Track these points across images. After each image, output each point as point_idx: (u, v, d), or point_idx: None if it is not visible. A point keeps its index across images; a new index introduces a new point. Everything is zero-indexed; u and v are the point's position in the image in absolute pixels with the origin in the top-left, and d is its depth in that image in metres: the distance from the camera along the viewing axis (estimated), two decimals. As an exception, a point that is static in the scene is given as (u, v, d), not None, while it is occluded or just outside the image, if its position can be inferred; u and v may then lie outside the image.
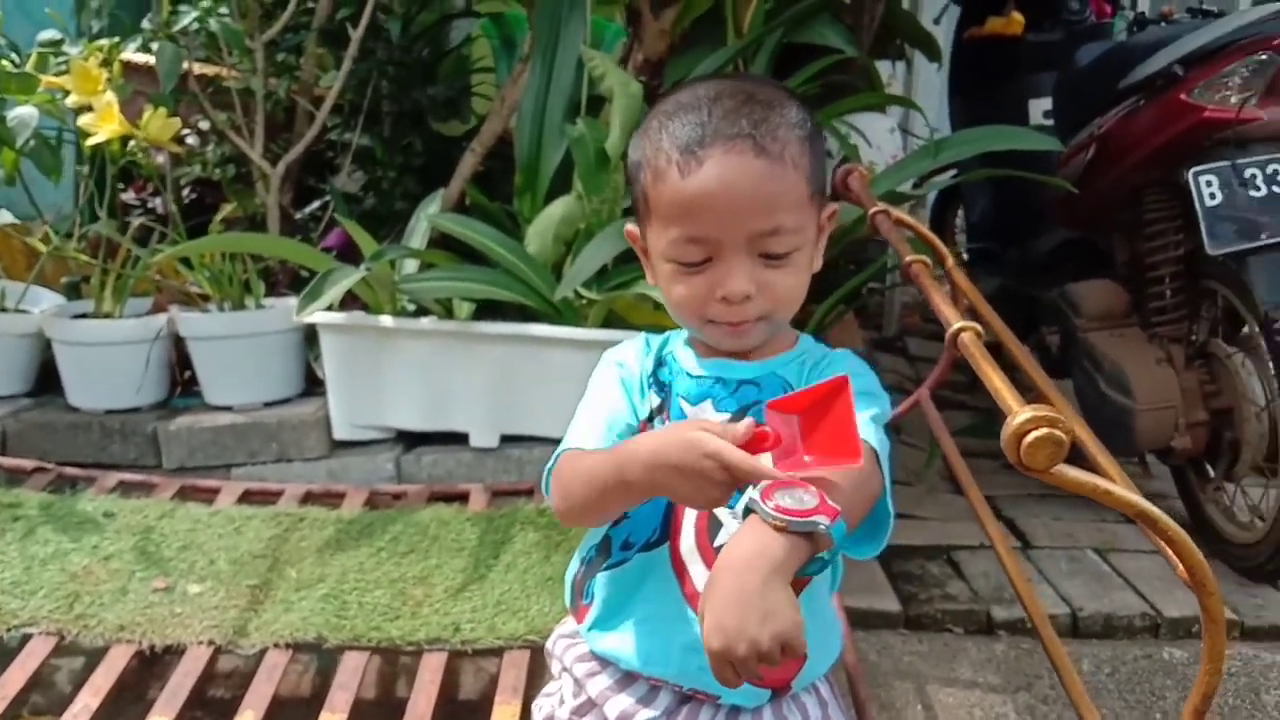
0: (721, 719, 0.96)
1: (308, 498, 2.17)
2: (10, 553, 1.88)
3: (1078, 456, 0.89)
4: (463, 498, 2.17)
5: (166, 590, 1.80)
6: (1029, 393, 1.03)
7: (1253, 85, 2.05)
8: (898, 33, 3.04)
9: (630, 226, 1.01)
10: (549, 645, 1.08)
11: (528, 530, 1.99)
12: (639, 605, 0.96)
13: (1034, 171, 2.45)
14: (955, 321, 1.04)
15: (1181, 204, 2.19)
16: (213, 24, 2.42)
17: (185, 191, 2.85)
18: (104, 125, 2.22)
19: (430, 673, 1.62)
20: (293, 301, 2.21)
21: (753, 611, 0.73)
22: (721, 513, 0.93)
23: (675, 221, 0.91)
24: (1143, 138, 2.25)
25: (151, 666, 1.70)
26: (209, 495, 2.17)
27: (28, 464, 2.25)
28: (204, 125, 2.79)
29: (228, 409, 2.38)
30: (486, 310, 2.29)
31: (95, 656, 1.67)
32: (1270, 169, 2.05)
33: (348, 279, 2.15)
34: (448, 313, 2.31)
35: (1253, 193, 2.05)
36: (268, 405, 2.39)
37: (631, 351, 1.02)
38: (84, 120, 2.24)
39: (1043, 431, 0.73)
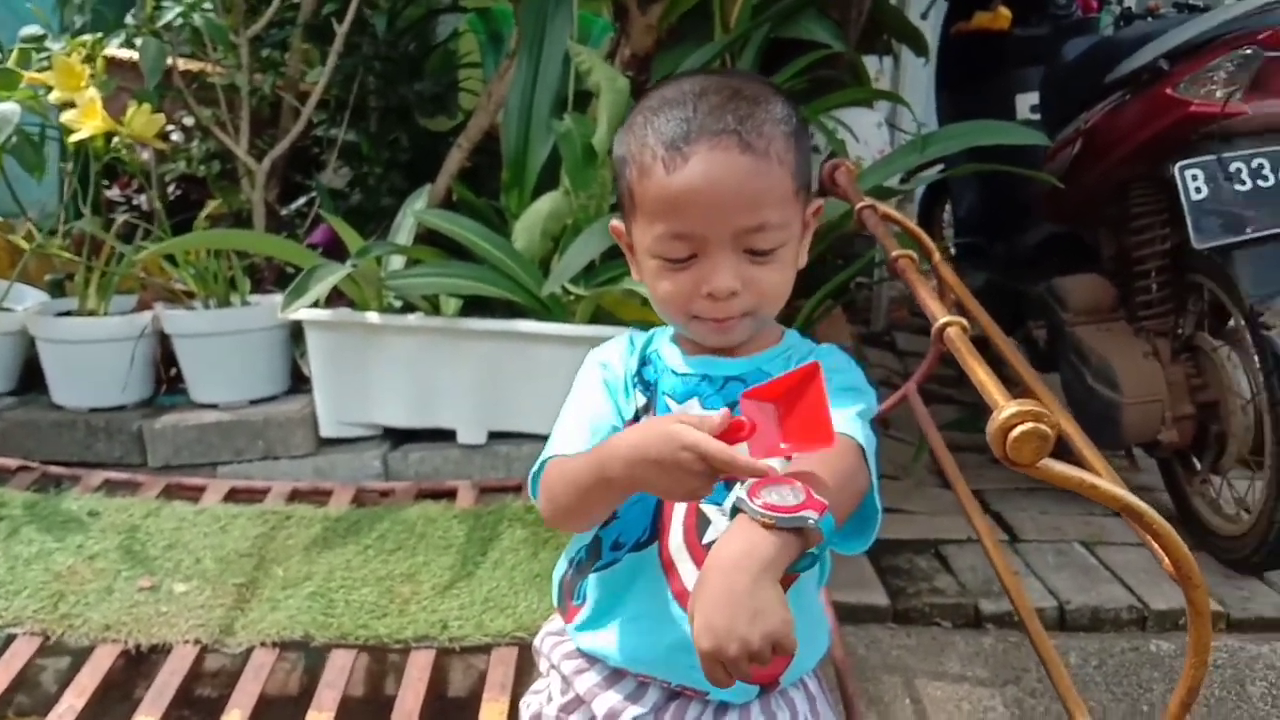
0: (709, 715, 0.96)
1: (294, 495, 2.16)
2: (-6, 552, 1.87)
3: (1065, 450, 0.89)
4: (450, 495, 2.17)
5: (152, 589, 1.80)
6: (1015, 387, 1.03)
7: (1238, 80, 2.06)
8: (885, 27, 3.03)
9: (615, 222, 1.01)
10: (536, 643, 1.08)
11: (515, 527, 1.99)
12: (628, 604, 0.96)
13: (1021, 166, 2.45)
14: (941, 316, 1.04)
15: (1167, 198, 2.19)
16: (197, 19, 2.41)
17: (170, 188, 2.83)
18: (87, 122, 2.21)
19: (418, 670, 1.62)
20: (278, 298, 2.20)
21: (742, 611, 0.72)
22: (710, 510, 0.93)
23: (661, 218, 0.90)
24: (1129, 132, 2.25)
25: (138, 666, 1.70)
26: (195, 494, 2.16)
27: (12, 463, 2.23)
28: (188, 121, 2.78)
29: (213, 407, 2.37)
30: (474, 306, 2.29)
31: (81, 656, 1.66)
32: (1255, 163, 2.05)
33: (333, 275, 2.14)
34: (435, 309, 2.30)
35: (1238, 187, 2.05)
36: (254, 403, 2.38)
37: (615, 351, 1.02)
38: (67, 116, 2.23)
39: (1028, 426, 0.73)
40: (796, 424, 0.80)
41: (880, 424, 0.93)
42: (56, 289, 2.64)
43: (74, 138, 2.24)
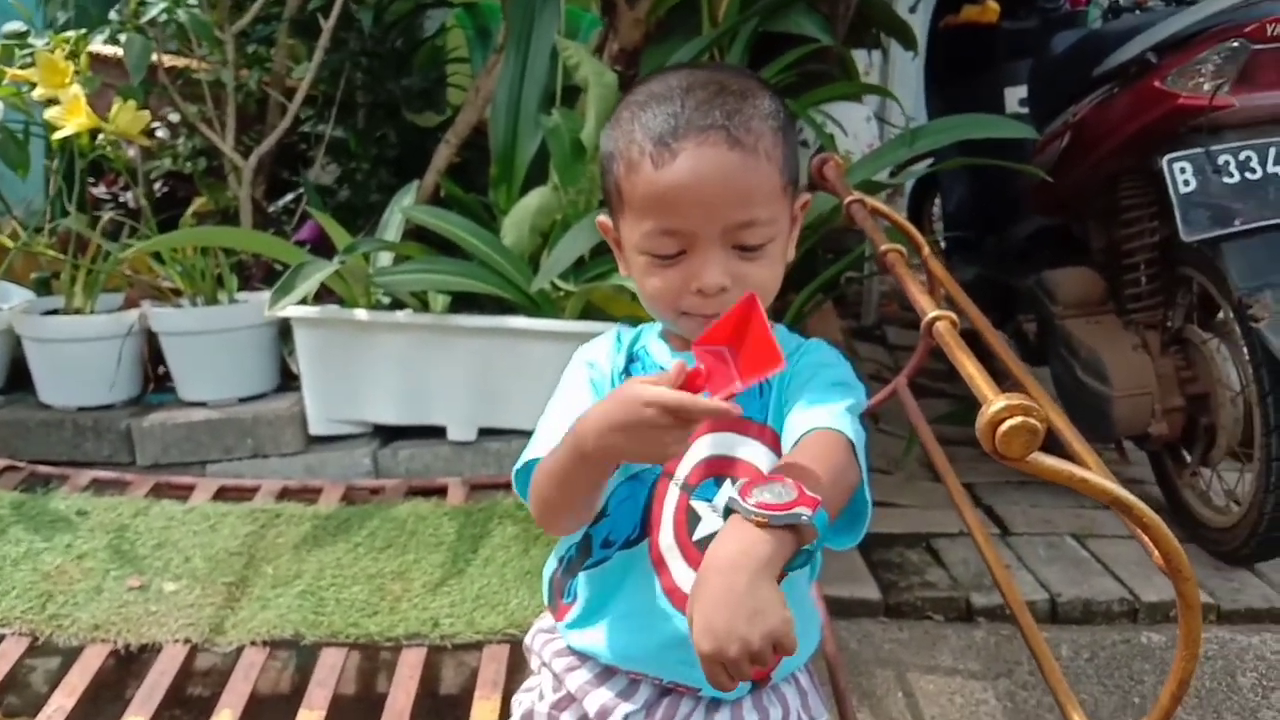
0: (701, 711, 0.96)
1: (284, 494, 2.15)
2: (-19, 553, 1.86)
3: (1055, 444, 0.89)
4: (440, 492, 2.16)
5: (141, 589, 1.79)
6: (1005, 381, 1.03)
7: (1225, 72, 2.06)
8: (873, 21, 3.03)
9: (602, 218, 1.00)
10: (528, 640, 1.07)
11: (506, 524, 1.98)
12: (619, 602, 0.96)
13: (1010, 159, 2.46)
14: (931, 310, 1.04)
15: (1156, 191, 2.20)
16: (181, 15, 2.39)
17: (156, 185, 2.82)
18: (71, 118, 2.19)
19: (409, 668, 1.62)
20: (266, 296, 2.19)
21: (742, 611, 0.72)
22: (699, 506, 0.93)
23: (649, 214, 0.90)
24: (1117, 125, 2.25)
25: (128, 666, 1.69)
26: (184, 492, 2.15)
27: (-1, 463, 2.22)
28: (174, 118, 2.76)
29: (202, 405, 2.36)
30: (463, 303, 2.28)
31: (70, 656, 1.66)
32: (1243, 155, 2.06)
33: (321, 272, 2.13)
34: (423, 306, 2.29)
35: (1226, 179, 2.05)
36: (242, 401, 2.37)
37: (602, 349, 1.02)
38: (51, 113, 2.21)
39: (1017, 420, 0.73)
40: (747, 356, 0.80)
41: (871, 418, 0.93)
42: (42, 287, 2.63)
43: (58, 135, 2.22)
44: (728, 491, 0.93)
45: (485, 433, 2.27)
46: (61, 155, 2.50)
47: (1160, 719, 0.85)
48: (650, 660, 0.95)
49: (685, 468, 0.94)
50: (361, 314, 2.24)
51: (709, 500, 0.93)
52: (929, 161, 2.92)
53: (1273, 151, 2.05)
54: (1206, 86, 2.06)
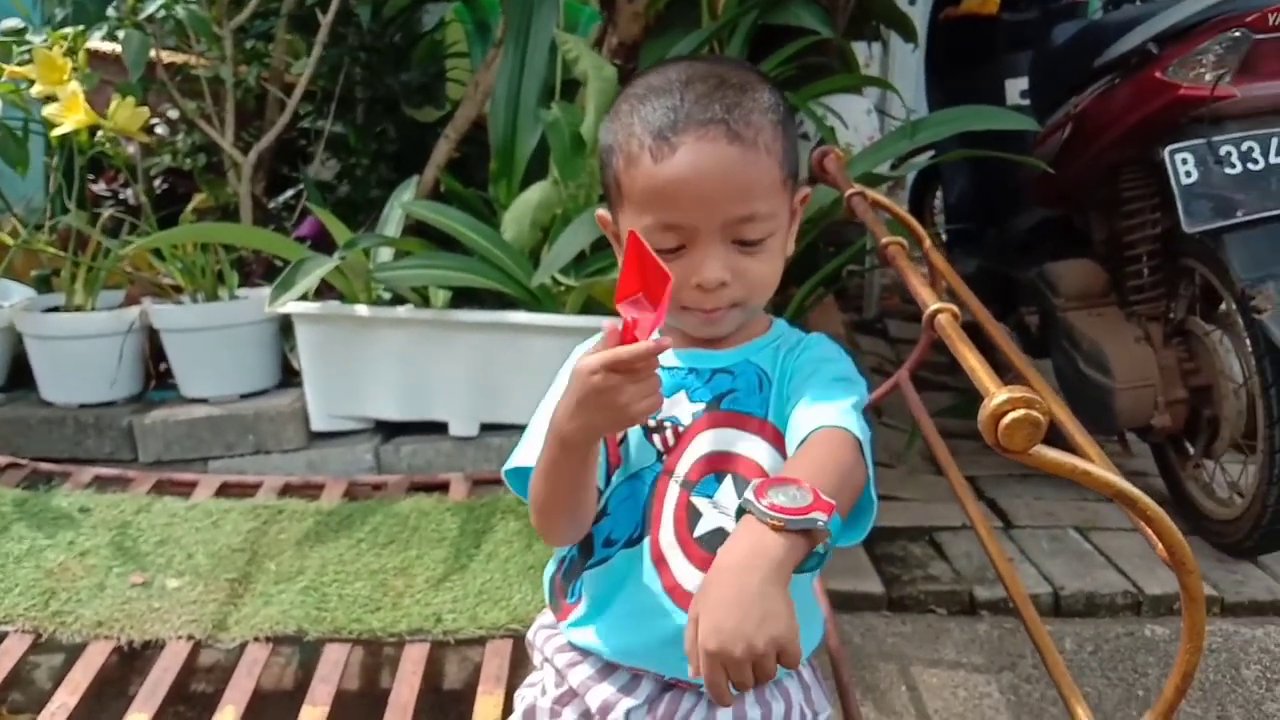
0: (703, 707, 0.95)
1: (286, 490, 2.15)
2: (-16, 551, 1.86)
3: (1057, 436, 0.88)
4: (443, 487, 2.16)
5: (144, 585, 1.79)
6: (1007, 373, 1.03)
7: (1227, 62, 2.05)
8: (873, 14, 3.02)
9: (602, 211, 1.00)
10: (530, 636, 1.07)
11: (509, 519, 1.98)
12: (621, 600, 0.96)
13: (1011, 151, 2.45)
14: (932, 303, 1.04)
15: (1158, 182, 2.19)
16: (180, 11, 2.38)
17: (156, 182, 2.81)
18: (70, 115, 2.18)
19: (412, 664, 1.61)
20: (267, 292, 2.19)
21: (752, 612, 0.71)
22: (700, 503, 0.93)
23: (649, 208, 0.90)
24: (1118, 116, 2.25)
25: (131, 662, 1.69)
26: (186, 489, 2.15)
27: (1, 460, 2.22)
28: (173, 114, 2.76)
29: (203, 401, 2.36)
30: (463, 298, 2.28)
31: (73, 653, 1.66)
32: (1245, 146, 2.05)
33: (321, 268, 2.13)
34: (424, 301, 2.29)
35: (1228, 170, 2.05)
36: (244, 397, 2.37)
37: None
38: (49, 110, 2.21)
39: (1020, 412, 0.73)
40: (649, 289, 0.81)
41: (873, 412, 0.93)
42: (43, 285, 2.63)
43: (57, 132, 2.22)
44: (728, 487, 0.93)
45: (487, 428, 2.27)
46: (61, 152, 2.50)
47: (1164, 712, 0.84)
48: (652, 657, 0.95)
49: (685, 464, 0.94)
50: (362, 310, 2.24)
51: (709, 496, 0.93)
52: (930, 154, 2.91)
53: (1275, 142, 2.04)
54: (1208, 77, 2.05)
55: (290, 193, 2.89)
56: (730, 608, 0.72)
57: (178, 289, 2.43)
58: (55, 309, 2.44)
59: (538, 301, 2.20)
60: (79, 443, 2.32)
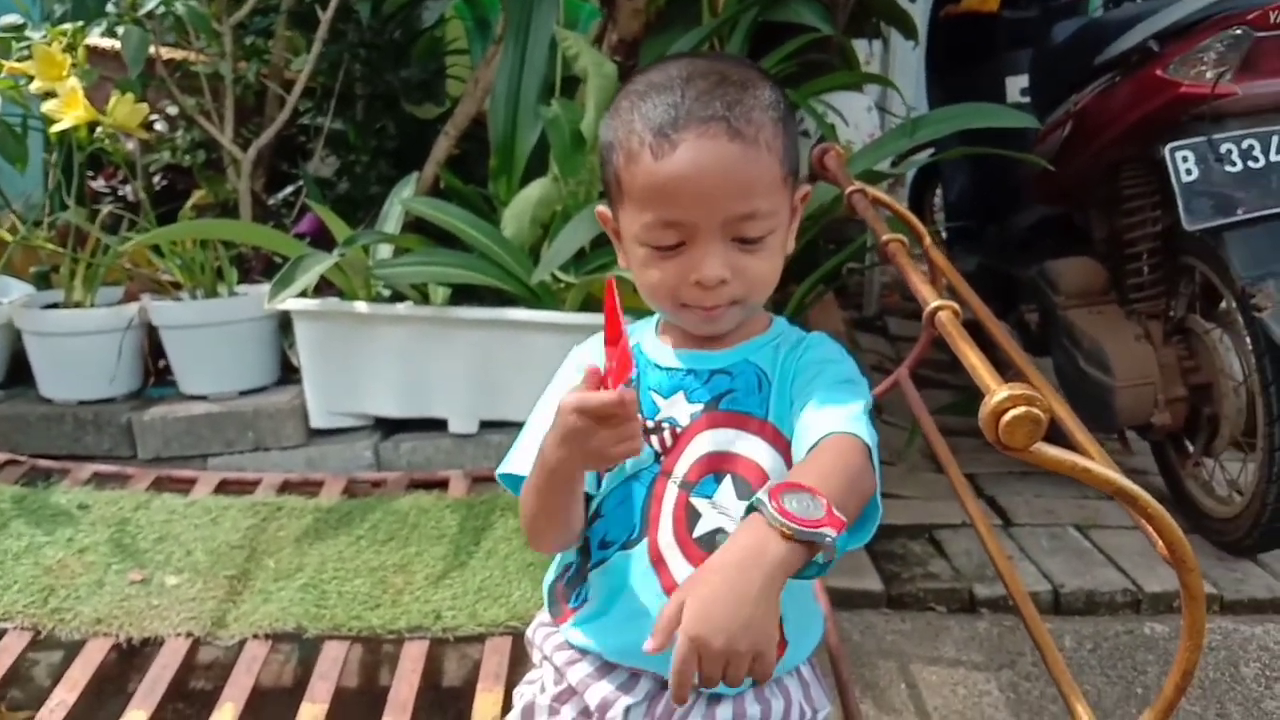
0: (702, 705, 0.95)
1: (285, 487, 2.15)
2: (-17, 547, 1.86)
3: (1057, 434, 0.88)
4: (442, 484, 2.16)
5: (143, 582, 1.79)
6: (1008, 371, 1.03)
7: (1228, 60, 2.05)
8: (874, 11, 3.02)
9: (602, 208, 1.00)
10: (529, 634, 1.07)
11: (508, 516, 1.98)
12: (619, 602, 0.95)
13: (1012, 149, 2.45)
14: (933, 301, 1.03)
15: (1158, 180, 2.19)
16: (179, 7, 2.38)
17: (155, 178, 2.81)
18: (69, 112, 2.18)
19: (412, 661, 1.61)
20: (266, 288, 2.19)
21: (742, 613, 0.71)
22: (700, 503, 0.93)
23: (649, 205, 0.89)
24: (1119, 114, 2.24)
25: (130, 659, 1.69)
26: (185, 486, 2.15)
27: (-1, 457, 2.22)
28: (173, 111, 2.75)
29: (203, 398, 2.35)
30: (463, 295, 2.28)
31: (72, 650, 1.65)
32: (1246, 144, 2.05)
33: (320, 265, 2.12)
34: (424, 298, 2.29)
35: (1228, 168, 2.04)
36: (243, 394, 2.36)
37: (592, 351, 1.02)
38: (49, 107, 2.20)
39: (1021, 410, 0.72)
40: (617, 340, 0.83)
41: (873, 410, 0.93)
42: (42, 281, 2.62)
43: (56, 128, 2.22)
44: (728, 488, 0.92)
45: (486, 425, 2.27)
46: (60, 149, 2.50)
47: (1164, 709, 0.84)
48: (651, 657, 0.94)
49: (684, 465, 0.94)
50: (362, 306, 2.24)
51: (708, 497, 0.93)
52: (930, 151, 2.91)
53: (1275, 140, 2.04)
54: (1209, 75, 2.05)
55: (290, 189, 2.89)
56: (722, 601, 0.72)
57: (177, 285, 2.43)
58: (54, 305, 2.43)
59: (537, 298, 2.20)
60: (78, 439, 2.32)
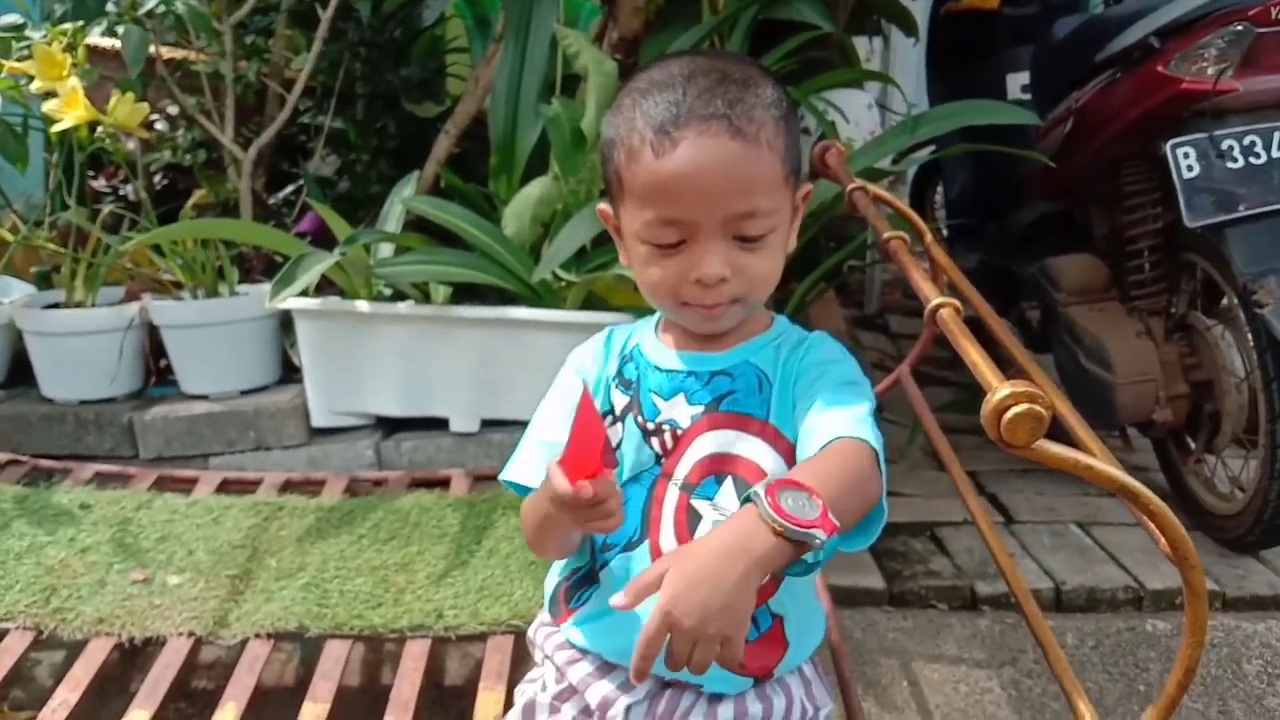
0: (703, 704, 0.95)
1: (287, 486, 2.15)
2: (-15, 547, 1.86)
3: (1059, 431, 0.88)
4: (444, 483, 2.16)
5: (145, 582, 1.79)
6: (1009, 368, 1.03)
7: (1229, 56, 2.04)
8: (874, 8, 3.02)
9: (603, 205, 1.00)
10: (530, 633, 1.07)
11: (510, 515, 1.98)
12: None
13: (1013, 146, 2.44)
14: (934, 298, 1.03)
15: (1160, 176, 2.18)
16: (179, 6, 2.38)
17: (156, 178, 2.81)
18: (70, 111, 2.18)
19: (414, 660, 1.61)
20: (267, 288, 2.19)
21: (717, 598, 0.72)
22: (701, 505, 0.93)
23: (650, 203, 0.89)
24: (1120, 110, 2.24)
25: (132, 659, 1.69)
26: (187, 485, 2.15)
27: (1, 457, 2.22)
28: (173, 110, 2.76)
29: (204, 398, 2.36)
30: (464, 294, 2.27)
31: (74, 650, 1.65)
32: (1247, 140, 2.05)
33: (321, 264, 2.12)
34: (425, 297, 2.29)
35: (1230, 164, 2.04)
36: (244, 393, 2.36)
37: (590, 356, 1.02)
38: (49, 106, 2.20)
39: (1023, 407, 0.72)
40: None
41: (876, 409, 0.93)
42: (43, 281, 2.62)
43: (57, 128, 2.22)
44: (729, 489, 0.92)
45: (488, 424, 2.27)
46: (60, 148, 2.50)
47: (1166, 707, 0.84)
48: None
49: (685, 467, 0.94)
50: (363, 305, 2.24)
51: (710, 499, 0.93)
52: (931, 148, 2.91)
53: (1277, 136, 2.04)
54: (1210, 71, 2.05)
55: (290, 188, 2.89)
56: (700, 584, 0.73)
57: (178, 285, 2.43)
58: (55, 305, 2.43)
59: (538, 297, 2.20)
60: (79, 439, 2.32)
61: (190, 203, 2.68)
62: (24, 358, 2.42)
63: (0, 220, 2.56)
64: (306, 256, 2.15)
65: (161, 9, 2.38)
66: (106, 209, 2.56)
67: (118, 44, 2.36)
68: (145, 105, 2.33)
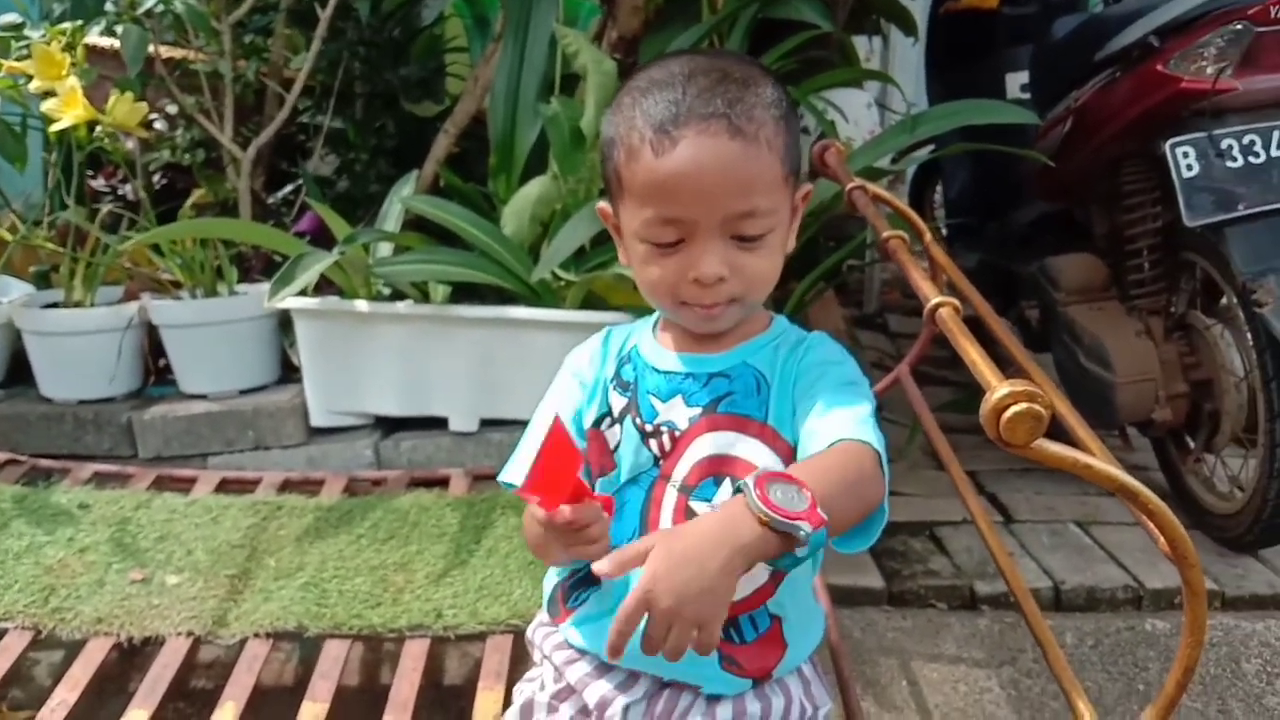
0: (702, 704, 0.95)
1: (286, 485, 2.15)
2: (-17, 547, 1.86)
3: (1058, 431, 0.88)
4: (443, 483, 2.16)
5: (144, 582, 1.79)
6: (1008, 367, 1.03)
7: (1228, 55, 2.04)
8: (874, 7, 3.02)
9: (602, 204, 1.00)
10: (529, 633, 1.07)
11: (509, 514, 1.98)
12: (619, 605, 0.95)
13: (1012, 145, 2.44)
14: (933, 297, 1.03)
15: (1159, 176, 2.18)
16: (178, 5, 2.38)
17: (155, 177, 2.81)
18: (68, 111, 2.18)
19: (412, 660, 1.61)
20: (266, 287, 2.19)
21: (697, 583, 0.73)
22: (699, 506, 0.93)
23: (648, 201, 0.89)
24: (1120, 109, 2.24)
25: (131, 659, 1.69)
26: (185, 485, 2.15)
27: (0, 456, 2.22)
28: (172, 109, 2.76)
29: (203, 397, 2.35)
30: (463, 293, 2.27)
31: (73, 650, 1.65)
32: (1247, 140, 2.05)
33: (320, 263, 2.12)
34: (424, 296, 2.29)
35: (1229, 163, 2.04)
36: (243, 393, 2.36)
37: (587, 358, 1.02)
38: (48, 106, 2.20)
39: (1022, 406, 0.72)
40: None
41: (877, 410, 0.92)
42: (42, 281, 2.62)
43: (56, 127, 2.21)
44: (728, 491, 0.92)
45: (487, 423, 2.27)
46: (59, 148, 2.50)
47: (1165, 706, 0.84)
48: (650, 660, 0.94)
49: (683, 469, 0.94)
50: (362, 305, 2.24)
51: (708, 500, 0.93)
52: (930, 148, 2.91)
53: (1276, 135, 2.04)
54: (1209, 70, 2.05)
55: (289, 188, 2.89)
56: (682, 567, 0.73)
57: (177, 285, 2.43)
58: (54, 305, 2.43)
59: (537, 296, 2.20)
60: (78, 439, 2.32)
61: (189, 202, 2.68)
62: (23, 357, 2.42)
63: (-1, 220, 2.56)
64: (305, 256, 2.14)
65: (160, 8, 2.37)
66: (105, 208, 2.56)
67: (116, 43, 2.36)
68: (144, 105, 2.33)
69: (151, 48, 2.43)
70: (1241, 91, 2.05)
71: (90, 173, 2.74)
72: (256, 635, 1.66)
